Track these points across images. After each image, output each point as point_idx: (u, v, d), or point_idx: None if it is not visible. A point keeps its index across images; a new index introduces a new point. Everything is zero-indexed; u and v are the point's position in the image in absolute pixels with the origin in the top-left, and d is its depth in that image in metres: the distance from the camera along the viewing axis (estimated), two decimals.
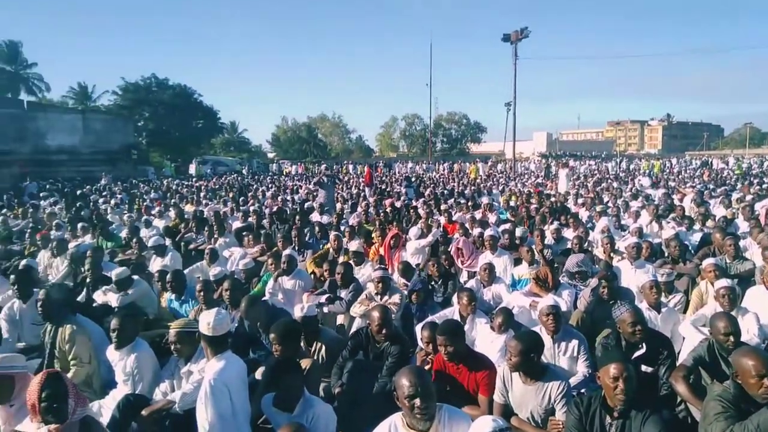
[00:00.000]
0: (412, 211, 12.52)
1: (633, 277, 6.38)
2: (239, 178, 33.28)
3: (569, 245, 8.11)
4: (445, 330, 3.90)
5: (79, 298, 6.49)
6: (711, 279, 5.56)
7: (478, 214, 11.29)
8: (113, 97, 51.93)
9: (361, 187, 22.16)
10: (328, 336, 5.03)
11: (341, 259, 7.54)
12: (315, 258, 7.96)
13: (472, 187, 21.40)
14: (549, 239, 8.65)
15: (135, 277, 6.52)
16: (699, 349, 3.92)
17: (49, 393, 2.88)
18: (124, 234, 10.28)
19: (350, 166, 44.45)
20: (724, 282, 4.90)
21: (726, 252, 6.67)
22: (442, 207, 12.59)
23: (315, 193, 17.41)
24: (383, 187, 22.89)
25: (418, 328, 5.05)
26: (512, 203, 14.52)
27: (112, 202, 17.12)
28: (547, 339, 4.25)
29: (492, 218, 10.91)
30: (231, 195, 19.07)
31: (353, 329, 5.56)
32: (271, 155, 70.46)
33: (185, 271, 7.16)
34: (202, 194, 19.92)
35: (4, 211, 14.37)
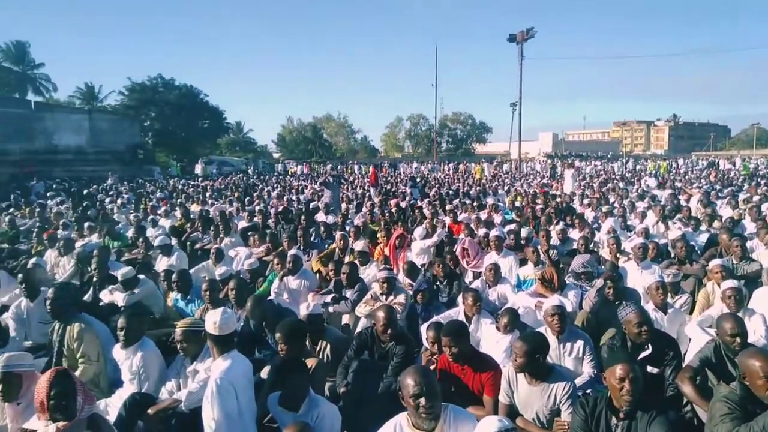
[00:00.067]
0: (417, 211, 12.49)
1: (639, 277, 6.37)
2: (245, 178, 33.35)
3: (575, 246, 8.09)
4: (449, 331, 3.90)
5: (85, 298, 6.52)
6: (717, 280, 5.54)
7: (483, 215, 11.27)
8: (120, 97, 52.33)
9: (366, 188, 22.16)
10: (333, 335, 5.04)
11: (347, 259, 7.55)
12: (321, 257, 7.98)
13: (478, 188, 21.38)
14: (554, 240, 8.64)
15: (141, 276, 6.55)
16: (705, 350, 3.91)
17: (58, 390, 2.90)
18: (130, 233, 10.31)
19: (355, 167, 44.48)
20: (730, 283, 4.89)
21: (733, 253, 6.65)
22: (447, 207, 12.57)
23: (320, 193, 17.45)
24: (388, 187, 22.89)
25: (423, 328, 5.07)
26: (518, 204, 14.49)
27: (119, 201, 17.18)
28: (552, 339, 4.24)
29: (497, 219, 10.90)
30: (236, 195, 19.10)
31: (358, 329, 5.56)
32: (276, 155, 70.62)
33: (191, 271, 7.18)
34: (207, 194, 19.97)
35: (11, 210, 14.44)
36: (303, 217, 11.12)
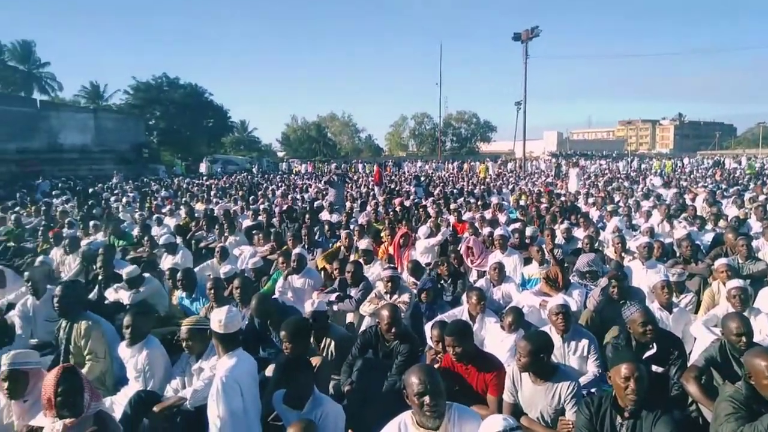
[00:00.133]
0: (421, 210, 12.50)
1: (644, 277, 6.35)
2: (249, 177, 33.36)
3: (579, 245, 8.07)
4: (453, 331, 3.89)
5: (90, 296, 6.54)
6: (723, 279, 5.52)
7: (487, 214, 11.26)
8: (125, 96, 52.48)
9: (370, 186, 22.18)
10: (338, 332, 5.05)
11: (352, 258, 7.56)
12: (326, 255, 7.99)
13: (482, 187, 21.35)
14: (559, 239, 8.62)
15: (146, 274, 6.58)
16: (711, 350, 3.89)
17: (66, 387, 2.92)
18: (135, 232, 10.35)
19: (359, 165, 44.47)
20: (736, 282, 4.87)
21: (738, 252, 6.62)
22: (452, 206, 12.57)
23: (324, 192, 17.46)
24: (392, 186, 22.88)
25: (427, 327, 5.07)
26: (522, 203, 14.46)
27: (124, 200, 17.24)
28: (556, 338, 4.24)
29: (502, 218, 10.88)
30: (241, 194, 19.12)
31: (362, 327, 5.57)
32: (280, 154, 70.60)
33: (196, 269, 7.21)
34: (212, 193, 20.01)
35: (17, 208, 14.49)
36: (307, 216, 11.13)
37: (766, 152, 64.67)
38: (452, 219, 10.75)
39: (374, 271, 7.00)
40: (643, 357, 3.91)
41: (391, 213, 11.96)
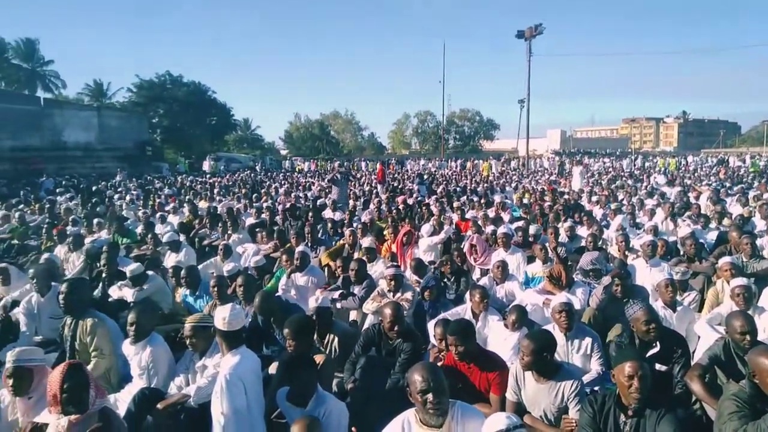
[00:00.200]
0: (424, 208, 12.50)
1: (648, 275, 6.35)
2: (252, 175, 33.39)
3: (583, 243, 8.07)
4: (455, 330, 3.88)
5: (94, 293, 6.56)
6: (727, 278, 5.51)
7: (491, 212, 11.25)
8: (128, 94, 52.53)
9: (373, 184, 22.16)
10: (341, 328, 5.05)
11: (356, 255, 7.56)
12: (330, 252, 8.00)
13: (485, 185, 21.34)
14: (563, 237, 8.62)
15: (150, 272, 6.59)
16: (715, 348, 3.88)
17: (71, 383, 2.94)
18: (139, 230, 10.37)
19: (362, 163, 44.46)
20: (739, 281, 4.86)
21: (742, 250, 6.60)
22: (455, 204, 12.56)
23: (328, 190, 17.46)
24: (395, 184, 22.86)
25: (430, 325, 5.07)
26: (525, 201, 14.45)
27: (127, 198, 17.28)
28: (560, 336, 4.24)
29: (505, 216, 10.87)
30: (244, 191, 19.15)
31: (365, 325, 5.57)
32: (283, 152, 70.63)
33: (199, 267, 7.21)
34: (215, 191, 20.03)
35: (21, 206, 14.54)
36: (310, 214, 11.16)
37: None
38: (455, 217, 10.74)
39: (377, 269, 7.00)
40: (647, 355, 3.90)
41: (394, 211, 11.96)
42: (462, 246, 7.98)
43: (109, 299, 6.38)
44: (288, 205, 13.96)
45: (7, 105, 33.26)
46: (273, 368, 4.36)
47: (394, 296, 5.63)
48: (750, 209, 10.92)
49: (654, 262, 6.63)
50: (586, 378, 4.06)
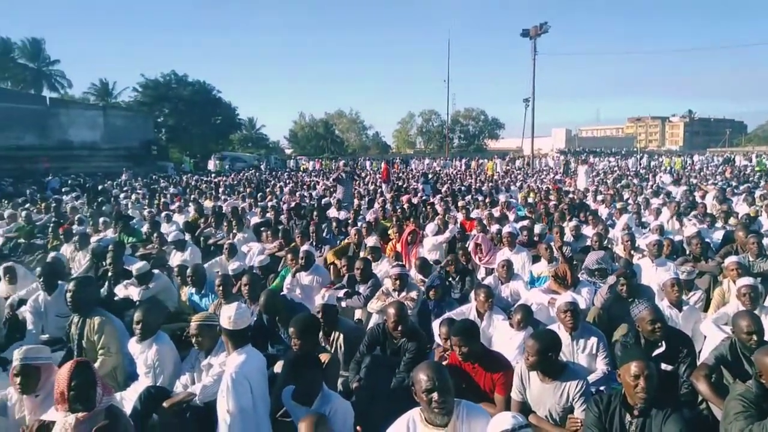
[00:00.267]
0: (428, 207, 12.49)
1: (654, 274, 6.32)
2: (257, 174, 33.43)
3: (588, 242, 8.05)
4: (459, 330, 3.88)
5: (100, 292, 6.58)
6: (733, 277, 5.49)
7: (495, 211, 11.23)
8: (133, 93, 52.51)
9: (378, 184, 22.17)
10: (347, 326, 5.05)
11: (361, 254, 7.56)
12: (335, 251, 8.00)
13: (490, 184, 21.30)
14: (568, 236, 8.59)
15: (155, 271, 6.62)
16: (721, 348, 3.87)
17: (79, 381, 2.96)
18: (144, 229, 10.40)
19: (367, 163, 44.46)
20: (746, 280, 4.84)
21: (749, 250, 6.56)
22: (460, 204, 12.55)
23: (332, 189, 17.47)
24: (400, 183, 22.86)
25: (435, 324, 5.07)
26: (530, 200, 14.43)
27: (133, 197, 17.32)
28: (565, 336, 4.23)
29: (510, 215, 10.85)
30: (249, 191, 19.14)
31: (370, 324, 5.57)
32: (288, 151, 70.59)
33: (204, 266, 7.23)
34: (220, 190, 20.07)
35: (27, 205, 14.60)
36: (315, 213, 11.16)
37: None
38: (460, 216, 10.74)
39: (382, 269, 7.01)
40: (653, 355, 3.90)
41: (399, 210, 11.95)
42: (467, 245, 7.98)
43: (115, 298, 6.41)
44: (293, 204, 13.96)
45: (13, 104, 33.38)
46: (278, 367, 4.37)
47: (399, 295, 5.63)
48: (756, 208, 10.88)
49: (660, 261, 6.61)
50: (591, 378, 4.04)
